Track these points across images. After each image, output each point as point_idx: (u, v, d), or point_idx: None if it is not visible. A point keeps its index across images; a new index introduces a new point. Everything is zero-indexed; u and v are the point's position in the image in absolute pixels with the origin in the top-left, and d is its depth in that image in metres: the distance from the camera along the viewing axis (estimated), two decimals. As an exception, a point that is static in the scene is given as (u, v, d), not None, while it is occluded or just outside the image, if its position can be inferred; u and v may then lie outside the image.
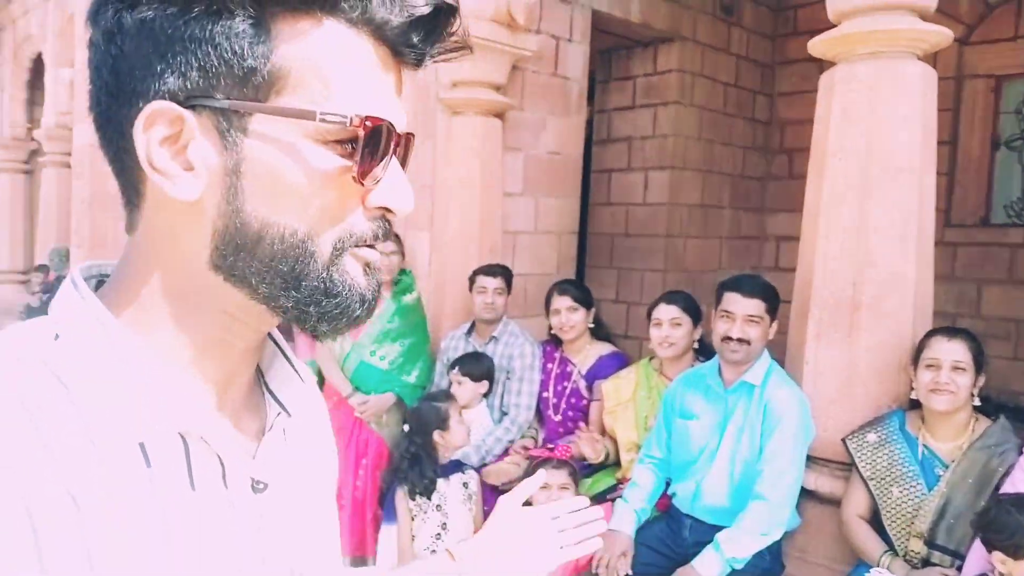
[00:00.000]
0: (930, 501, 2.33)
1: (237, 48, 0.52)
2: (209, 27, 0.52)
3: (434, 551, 2.94)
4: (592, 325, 3.58)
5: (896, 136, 2.60)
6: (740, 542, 2.48)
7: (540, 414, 3.64)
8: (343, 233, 0.57)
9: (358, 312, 0.59)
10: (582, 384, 3.53)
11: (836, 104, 2.70)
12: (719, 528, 2.57)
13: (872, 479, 2.46)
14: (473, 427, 3.43)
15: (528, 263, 4.40)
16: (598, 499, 3.05)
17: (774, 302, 2.70)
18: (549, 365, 3.63)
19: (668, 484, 2.90)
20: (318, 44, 0.54)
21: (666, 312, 3.12)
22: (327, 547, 0.75)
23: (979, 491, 2.28)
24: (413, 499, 2.98)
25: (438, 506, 2.99)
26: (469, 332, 3.75)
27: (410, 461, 3.02)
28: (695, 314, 3.17)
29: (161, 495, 0.55)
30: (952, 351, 2.36)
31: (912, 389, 2.46)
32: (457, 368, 3.47)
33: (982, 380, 2.38)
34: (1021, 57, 5.05)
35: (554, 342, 3.67)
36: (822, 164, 2.76)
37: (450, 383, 3.58)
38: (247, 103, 0.53)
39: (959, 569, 2.25)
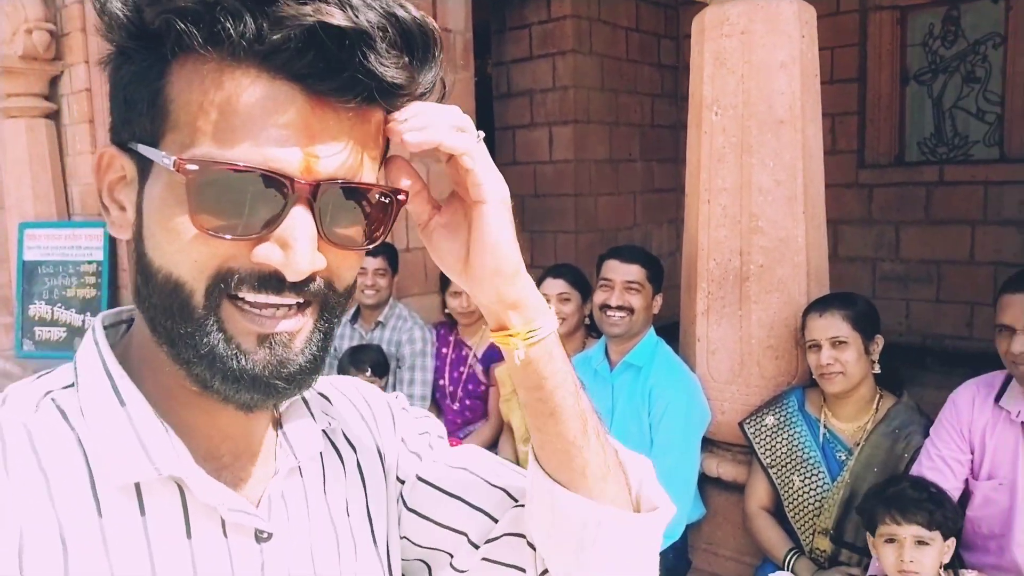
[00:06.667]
0: (834, 493, 2.11)
1: (135, 92, 0.53)
2: (121, 73, 0.54)
3: None
4: None
5: (774, 84, 2.35)
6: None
7: (438, 404, 3.38)
8: (216, 281, 0.53)
9: (248, 387, 0.54)
10: (479, 369, 3.25)
11: (708, 51, 2.43)
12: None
13: (772, 467, 2.23)
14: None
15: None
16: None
17: (656, 270, 2.47)
18: (444, 350, 3.34)
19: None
20: (198, 83, 0.50)
21: (552, 287, 2.87)
22: None
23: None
24: None
25: None
26: (354, 319, 3.45)
27: None
28: (584, 288, 2.92)
29: (154, 541, 0.56)
30: (826, 327, 2.13)
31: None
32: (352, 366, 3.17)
33: (879, 345, 2.16)
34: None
35: (450, 324, 3.39)
36: (699, 118, 2.51)
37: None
38: (135, 144, 0.53)
39: (867, 568, 2.02)
